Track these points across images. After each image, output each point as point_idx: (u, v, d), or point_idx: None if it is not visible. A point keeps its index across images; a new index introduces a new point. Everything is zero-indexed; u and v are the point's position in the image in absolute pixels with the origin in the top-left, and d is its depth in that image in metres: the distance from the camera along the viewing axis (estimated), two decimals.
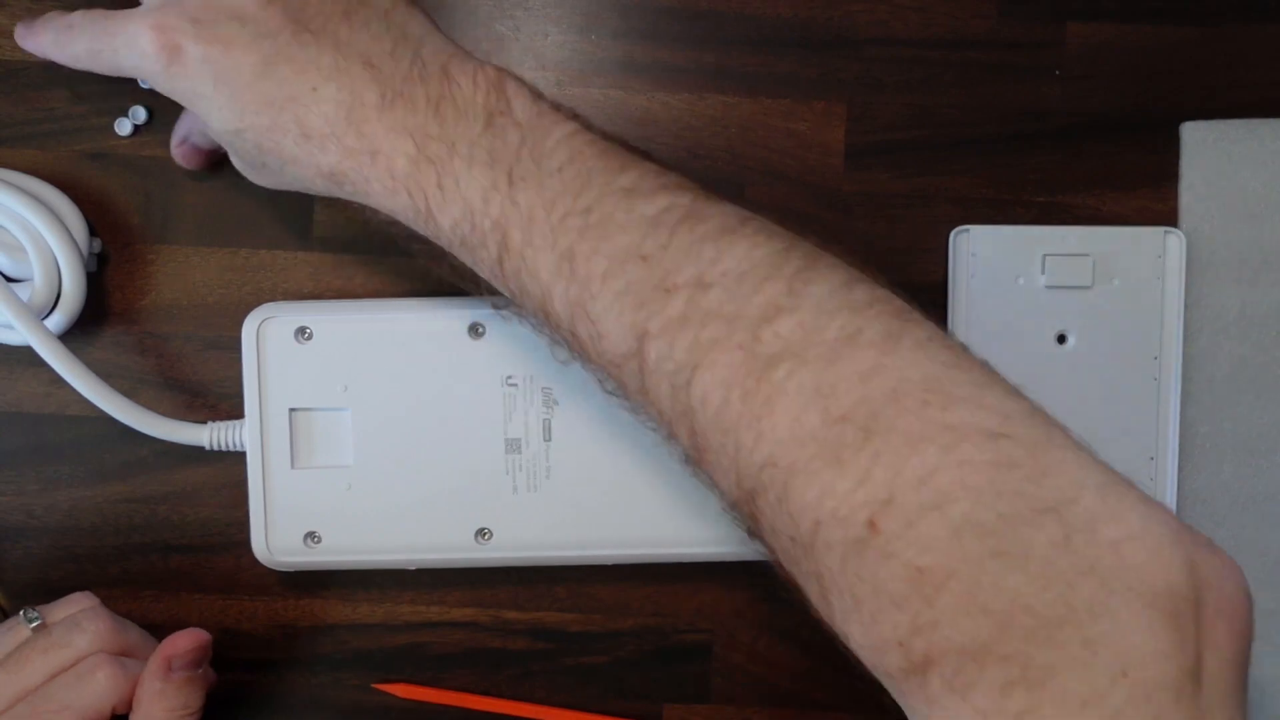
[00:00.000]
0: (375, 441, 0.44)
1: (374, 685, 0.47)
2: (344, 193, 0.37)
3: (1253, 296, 0.46)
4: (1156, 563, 0.27)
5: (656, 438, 0.44)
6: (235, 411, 0.45)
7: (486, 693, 0.47)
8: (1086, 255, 0.45)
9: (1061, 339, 0.46)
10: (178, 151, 0.44)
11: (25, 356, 0.45)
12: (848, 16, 0.46)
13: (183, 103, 0.37)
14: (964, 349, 0.31)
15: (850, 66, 0.46)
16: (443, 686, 0.47)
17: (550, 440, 0.44)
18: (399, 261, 0.46)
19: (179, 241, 0.46)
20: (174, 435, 0.44)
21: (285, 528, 0.44)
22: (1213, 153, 0.46)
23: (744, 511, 0.32)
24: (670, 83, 0.46)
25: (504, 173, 0.34)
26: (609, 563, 0.45)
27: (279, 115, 0.35)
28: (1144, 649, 0.27)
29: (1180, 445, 0.46)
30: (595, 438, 0.44)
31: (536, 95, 0.35)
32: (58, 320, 0.44)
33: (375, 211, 0.37)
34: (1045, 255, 0.46)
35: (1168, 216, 0.46)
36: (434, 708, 0.47)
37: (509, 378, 0.44)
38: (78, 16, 0.38)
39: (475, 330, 0.44)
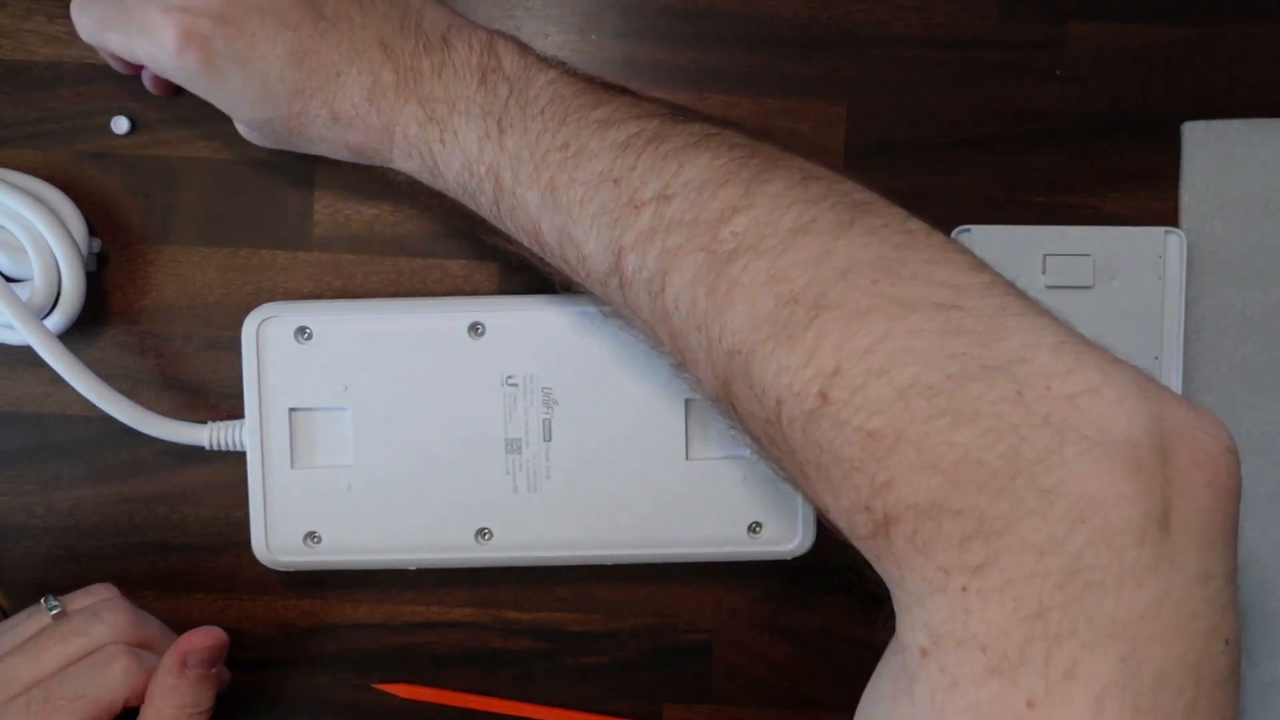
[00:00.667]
0: (375, 441, 0.44)
1: (374, 685, 0.47)
2: (365, 159, 0.40)
3: (1253, 296, 0.46)
4: (1116, 413, 0.27)
5: (656, 437, 0.44)
6: (235, 411, 0.45)
7: (486, 693, 0.47)
8: (1087, 255, 0.45)
9: None
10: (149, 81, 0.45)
11: (25, 356, 0.45)
12: (848, 16, 0.46)
13: (204, 96, 0.39)
14: (926, 231, 0.32)
15: (850, 66, 0.46)
16: (443, 686, 0.47)
17: (550, 440, 0.44)
18: (399, 261, 0.46)
19: (179, 241, 0.46)
20: (174, 435, 0.44)
21: (285, 528, 0.44)
22: (1213, 153, 0.46)
23: (724, 406, 0.34)
24: (670, 83, 0.46)
25: (494, 122, 0.37)
26: (609, 563, 0.45)
27: (309, 102, 0.38)
28: (1102, 495, 0.27)
29: None
30: (595, 438, 0.44)
31: (524, 50, 0.38)
32: (57, 320, 0.44)
33: (395, 172, 0.40)
34: (1046, 255, 0.46)
35: (1168, 216, 0.46)
36: (434, 708, 0.47)
37: (509, 378, 0.44)
38: None
39: (475, 330, 0.44)
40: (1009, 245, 0.46)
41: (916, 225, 0.32)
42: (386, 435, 0.44)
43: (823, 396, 0.29)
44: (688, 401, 0.44)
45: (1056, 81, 0.46)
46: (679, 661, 0.48)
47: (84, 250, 0.44)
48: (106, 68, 0.45)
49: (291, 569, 0.45)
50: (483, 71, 0.37)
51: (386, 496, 0.44)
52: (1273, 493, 0.46)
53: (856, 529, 0.30)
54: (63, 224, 0.44)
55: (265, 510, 0.44)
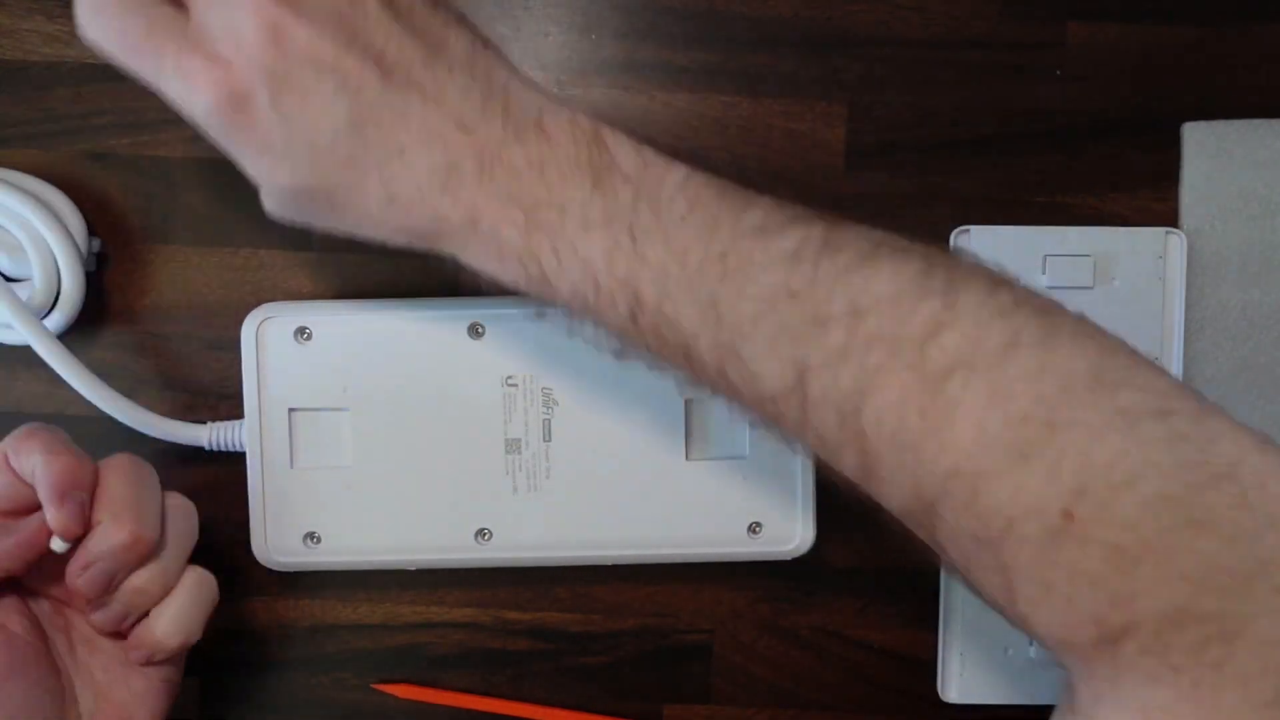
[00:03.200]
0: (375, 441, 0.44)
1: (374, 685, 0.47)
2: (422, 246, 0.35)
3: (1253, 296, 0.46)
4: None
5: (656, 437, 0.44)
6: (235, 412, 0.45)
7: (486, 693, 0.47)
8: (1087, 255, 0.45)
9: None
10: None
11: (25, 356, 0.45)
12: (848, 16, 0.46)
13: (235, 155, 0.34)
14: (1104, 333, 0.32)
15: (850, 66, 0.46)
16: (443, 687, 0.47)
17: (550, 440, 0.44)
18: (399, 261, 0.46)
19: (179, 241, 0.46)
20: (174, 435, 0.44)
21: (285, 528, 0.44)
22: (1213, 153, 0.46)
23: (918, 520, 0.32)
24: (670, 83, 0.46)
25: (624, 229, 0.32)
26: (609, 563, 0.45)
27: (363, 177, 0.33)
28: None
29: None
30: (595, 438, 0.44)
31: (638, 144, 0.34)
32: (57, 320, 0.44)
33: (457, 263, 0.35)
34: (1046, 255, 0.46)
35: (1168, 216, 0.46)
36: (434, 708, 0.47)
37: (509, 378, 0.44)
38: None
39: (475, 330, 0.44)
40: (1009, 245, 0.46)
41: (1091, 324, 0.32)
42: (386, 436, 0.44)
43: (1067, 515, 0.29)
44: (688, 401, 0.44)
45: (1056, 81, 0.46)
46: (679, 661, 0.47)
47: (84, 250, 0.44)
48: (107, 68, 0.45)
49: (291, 569, 0.45)
50: (595, 170, 0.33)
51: (386, 497, 0.44)
52: None
53: (1074, 639, 0.30)
54: (62, 224, 0.44)
55: (264, 510, 0.44)
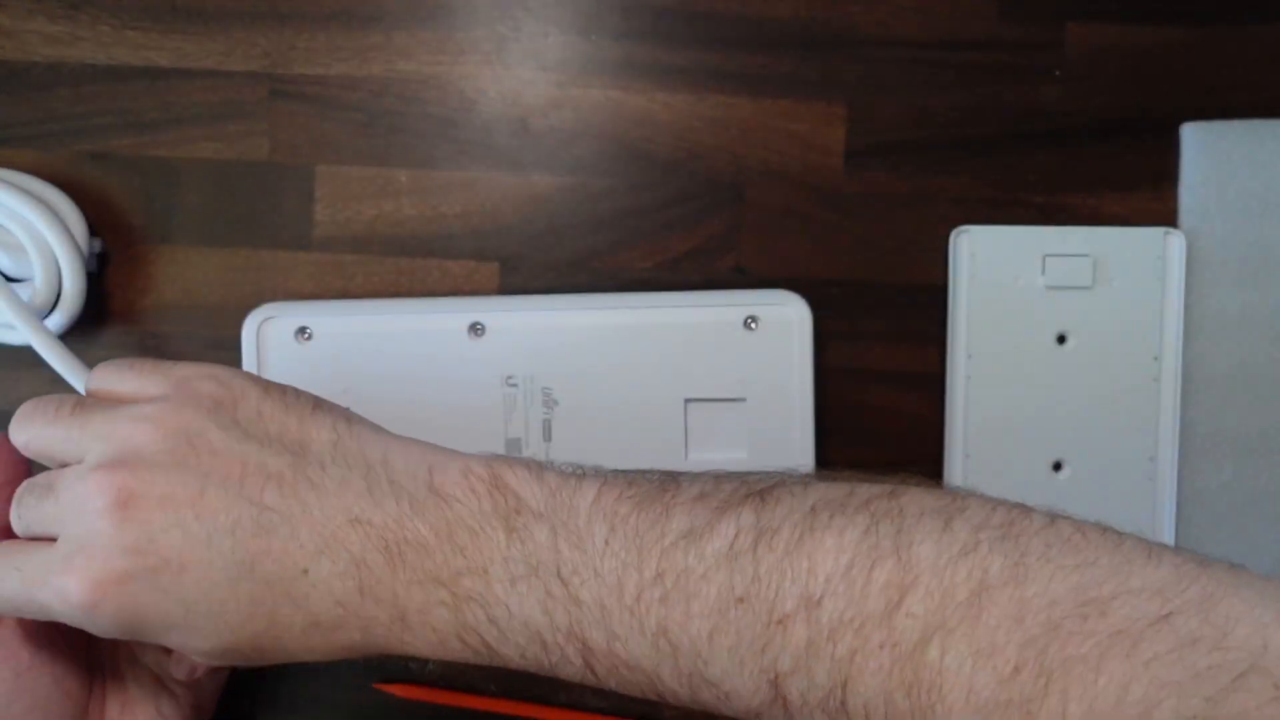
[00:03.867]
0: None
1: (374, 685, 0.47)
2: (370, 653, 0.32)
3: (1253, 297, 0.46)
4: None
5: (656, 437, 0.44)
6: None
7: (487, 693, 0.47)
8: (1086, 255, 0.46)
9: (1061, 339, 0.46)
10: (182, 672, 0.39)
11: (25, 356, 0.45)
12: (848, 17, 0.46)
13: (148, 641, 0.32)
14: (1080, 531, 0.30)
15: (850, 67, 0.46)
16: (443, 687, 0.47)
17: (550, 440, 0.44)
18: (399, 261, 0.46)
19: (179, 241, 0.46)
20: None
21: None
22: (1213, 153, 0.46)
23: None
24: (670, 83, 0.46)
25: (553, 575, 0.31)
26: None
27: (274, 611, 0.31)
28: None
29: (1180, 445, 0.46)
30: (595, 438, 0.44)
31: (539, 471, 0.32)
32: (58, 320, 0.44)
33: (419, 661, 0.33)
34: (1045, 255, 0.46)
35: (1168, 217, 0.46)
36: (434, 708, 0.47)
37: (509, 378, 0.44)
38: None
39: (475, 330, 0.44)
40: (1009, 245, 0.46)
41: (1063, 524, 0.30)
42: None
43: None
44: (687, 401, 0.44)
45: (1056, 81, 0.46)
46: None
47: (85, 250, 0.44)
48: (107, 68, 0.46)
49: None
50: (505, 519, 0.31)
51: None
52: (1273, 493, 0.46)
53: None
54: (63, 224, 0.44)
55: None
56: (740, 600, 0.29)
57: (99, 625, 0.31)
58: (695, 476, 0.32)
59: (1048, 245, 0.46)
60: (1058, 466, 0.46)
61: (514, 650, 0.31)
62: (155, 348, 0.46)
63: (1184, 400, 0.46)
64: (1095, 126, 0.46)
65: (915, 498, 0.31)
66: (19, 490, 0.34)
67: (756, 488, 0.31)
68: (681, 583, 0.30)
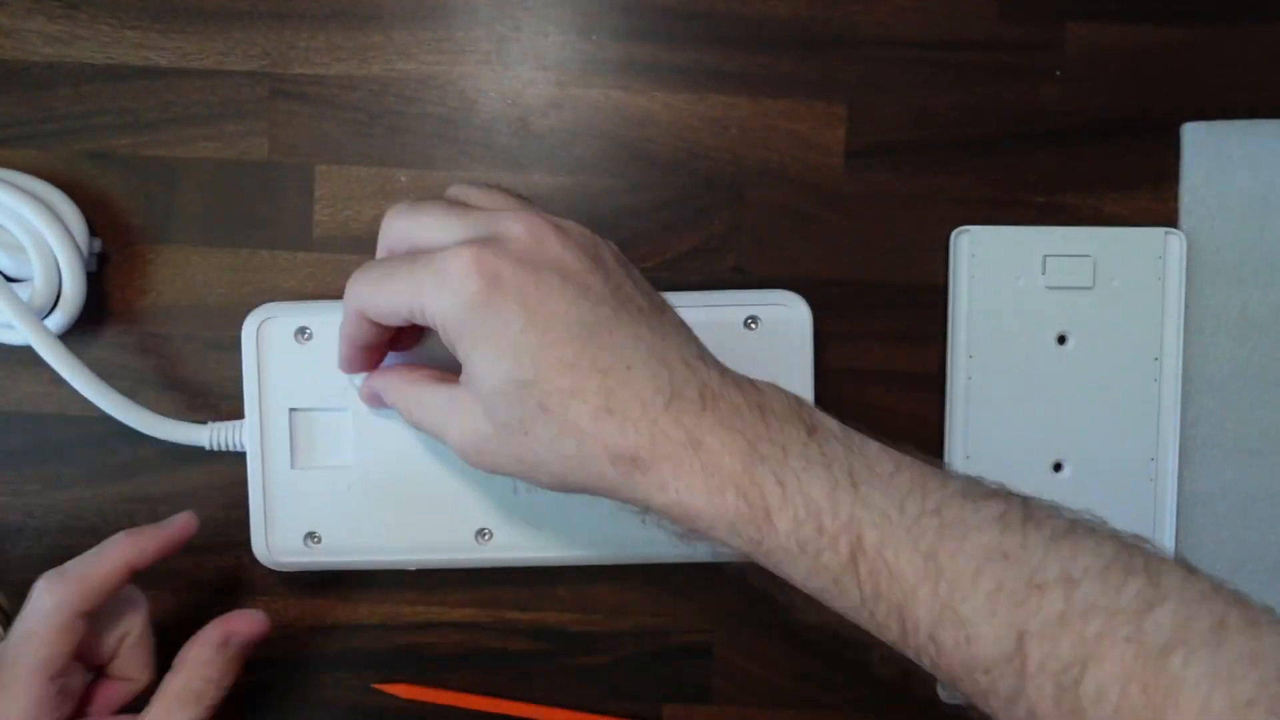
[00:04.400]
0: (375, 441, 0.44)
1: (374, 685, 0.47)
2: (629, 480, 0.33)
3: (1253, 297, 0.46)
4: None
5: None
6: (236, 411, 0.45)
7: (487, 693, 0.47)
8: (1087, 256, 0.46)
9: (1062, 340, 0.46)
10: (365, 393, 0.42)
11: (25, 356, 0.45)
12: (848, 17, 0.46)
13: (468, 345, 0.34)
14: None
15: (850, 67, 0.46)
16: (443, 686, 0.47)
17: None
18: None
19: (179, 241, 0.46)
20: (175, 436, 0.44)
21: (285, 528, 0.44)
22: (1213, 153, 0.46)
23: None
24: (670, 83, 0.46)
25: (845, 473, 0.33)
26: (609, 563, 0.45)
27: (584, 380, 0.33)
28: None
29: (1180, 445, 0.46)
30: None
31: (831, 416, 0.35)
32: (58, 320, 0.44)
33: (653, 513, 0.34)
34: (1045, 256, 0.46)
35: (1168, 217, 0.46)
36: (434, 708, 0.47)
37: None
38: (396, 260, 0.36)
39: None
40: (1009, 246, 0.46)
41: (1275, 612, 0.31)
42: (386, 435, 0.44)
43: None
44: None
45: (1056, 81, 0.46)
46: (679, 661, 0.48)
47: (84, 250, 0.44)
48: (107, 68, 0.46)
49: (292, 569, 0.45)
50: (808, 424, 0.34)
51: (387, 497, 0.44)
52: (1273, 493, 0.46)
53: None
54: (63, 224, 0.44)
55: (265, 510, 0.44)
56: (1006, 556, 0.31)
57: (459, 292, 0.34)
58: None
59: (1048, 245, 0.46)
60: (1058, 467, 0.46)
61: (789, 520, 0.32)
62: (155, 348, 0.46)
63: (1184, 400, 0.46)
64: (1095, 126, 0.46)
65: (1159, 547, 0.32)
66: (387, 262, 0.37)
67: (1021, 493, 0.33)
68: (957, 523, 0.32)
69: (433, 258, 0.35)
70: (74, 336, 0.45)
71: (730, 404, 0.33)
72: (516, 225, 0.35)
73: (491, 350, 0.34)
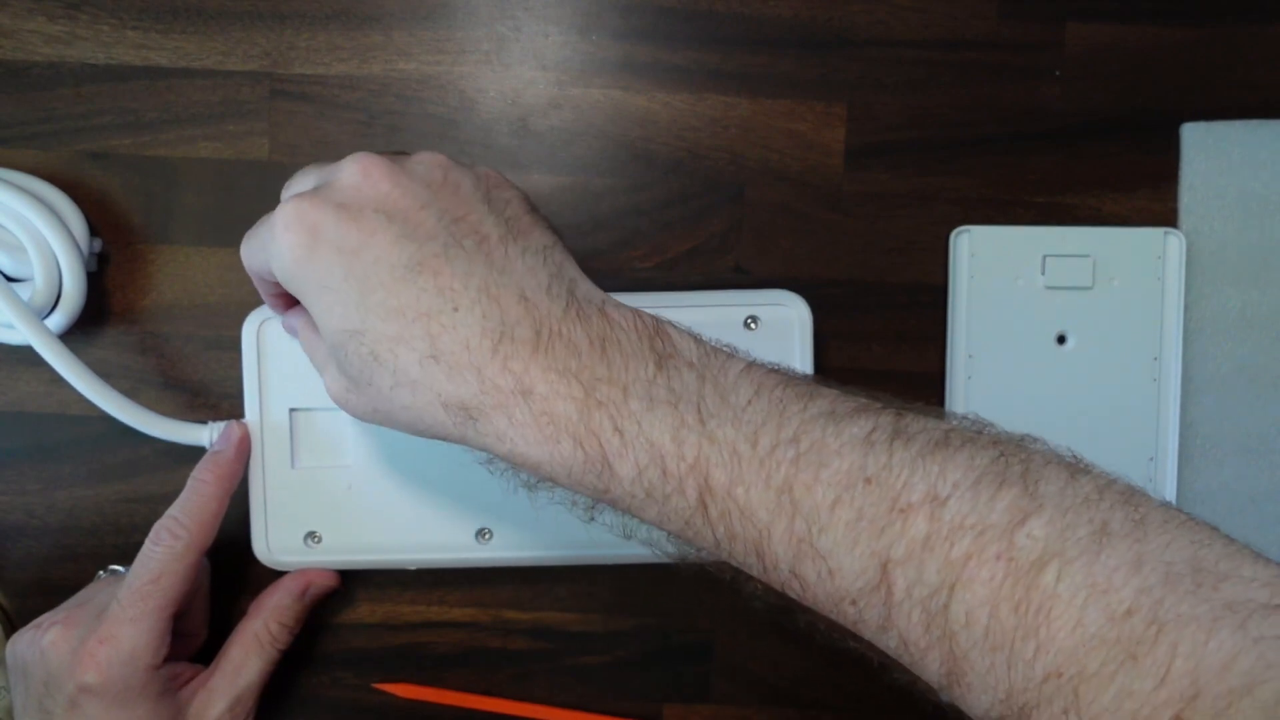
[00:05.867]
0: (375, 441, 0.44)
1: (374, 685, 0.47)
2: (465, 431, 0.33)
3: (1253, 297, 0.46)
4: None
5: None
6: (236, 411, 0.45)
7: (486, 692, 0.47)
8: (1086, 256, 0.46)
9: (1061, 339, 0.46)
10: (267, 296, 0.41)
11: (26, 356, 0.45)
12: (848, 17, 0.46)
13: (304, 299, 0.34)
14: (1195, 521, 0.30)
15: (850, 67, 0.46)
16: (443, 686, 0.47)
17: None
18: None
19: (179, 241, 0.46)
20: (175, 436, 0.44)
21: (286, 528, 0.44)
22: (1213, 153, 0.46)
23: None
24: (670, 83, 0.46)
25: (692, 410, 0.31)
26: (609, 563, 0.45)
27: (408, 326, 0.32)
28: None
29: (1180, 445, 0.46)
30: None
31: (696, 336, 0.33)
32: (58, 320, 0.44)
33: (494, 460, 0.33)
34: (1045, 256, 0.46)
35: (1167, 217, 0.46)
36: (434, 707, 0.47)
37: None
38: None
39: None
40: (1009, 245, 0.46)
41: (1179, 512, 0.30)
42: (387, 435, 0.44)
43: None
44: None
45: (1056, 82, 0.46)
46: (679, 661, 0.48)
47: (85, 250, 0.44)
48: (107, 68, 0.46)
49: (292, 569, 0.45)
50: (658, 355, 0.32)
51: (387, 497, 0.44)
52: (1272, 493, 0.46)
53: None
54: (64, 224, 0.44)
55: (265, 510, 0.44)
56: (868, 481, 0.30)
57: (283, 249, 0.33)
58: (835, 384, 0.33)
59: (1048, 245, 0.46)
60: None
61: (630, 468, 0.31)
62: (155, 347, 0.46)
63: (1184, 400, 0.46)
64: (1095, 127, 0.46)
65: (1042, 449, 0.31)
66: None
67: (894, 404, 0.32)
68: (815, 450, 0.30)
69: (269, 215, 0.34)
70: (74, 336, 0.45)
71: (568, 343, 0.32)
72: (349, 168, 0.34)
73: (322, 302, 0.33)
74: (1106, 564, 0.28)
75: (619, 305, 0.33)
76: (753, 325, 0.44)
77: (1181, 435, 0.46)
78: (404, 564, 0.45)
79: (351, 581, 0.47)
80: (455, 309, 0.32)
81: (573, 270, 0.34)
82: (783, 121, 0.46)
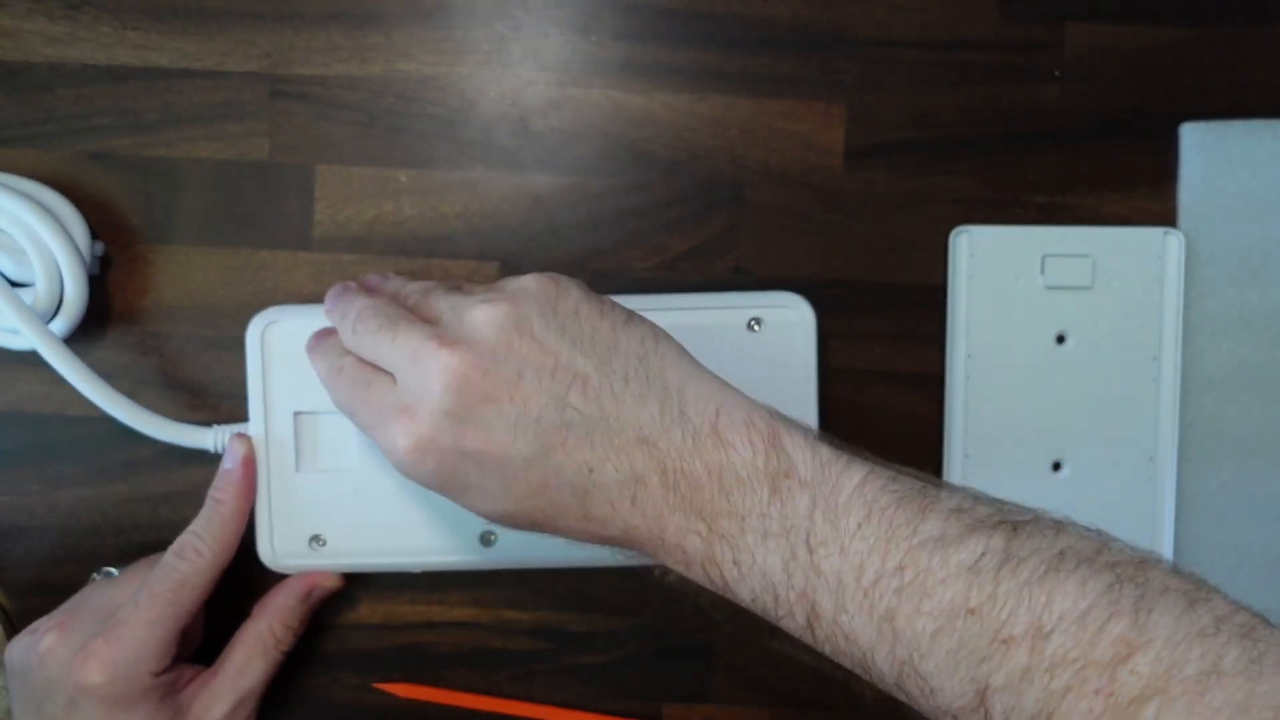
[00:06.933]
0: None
1: (374, 685, 0.47)
2: (623, 551, 0.36)
3: (1252, 297, 0.46)
4: None
5: None
6: (237, 411, 0.45)
7: (487, 692, 0.47)
8: (1086, 256, 0.46)
9: (1061, 339, 0.46)
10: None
11: (25, 356, 0.45)
12: (848, 17, 0.46)
13: (441, 493, 0.36)
14: None
15: (850, 67, 0.46)
16: (443, 686, 0.47)
17: None
18: (399, 261, 0.46)
19: (180, 242, 0.46)
20: (179, 438, 0.44)
21: (290, 531, 0.44)
22: (1212, 153, 0.46)
23: None
24: (670, 83, 0.46)
25: (801, 541, 0.33)
26: (609, 564, 0.45)
27: (556, 497, 0.35)
28: None
29: (1180, 445, 0.46)
30: None
31: (815, 443, 0.34)
32: (61, 324, 0.44)
33: (663, 570, 0.36)
34: (1045, 256, 0.46)
35: (1167, 217, 0.46)
36: (434, 708, 0.47)
37: None
38: (348, 365, 0.38)
39: None
40: (1008, 245, 0.46)
41: None
42: None
43: None
44: None
45: (1056, 82, 0.46)
46: (679, 661, 0.48)
47: (86, 254, 0.44)
48: (108, 69, 0.46)
49: (296, 572, 0.45)
50: (772, 478, 0.33)
51: (391, 500, 0.44)
52: (1273, 493, 0.46)
53: None
54: (65, 229, 0.43)
55: (270, 513, 0.44)
56: (971, 611, 0.30)
57: (408, 472, 0.36)
58: (954, 490, 0.34)
59: (1048, 245, 0.46)
60: (1057, 466, 0.46)
61: (747, 593, 0.34)
62: (156, 348, 0.46)
63: (1184, 400, 0.46)
64: (1095, 126, 0.46)
65: (1162, 573, 0.31)
66: (359, 303, 0.38)
67: (1011, 517, 0.32)
68: (920, 580, 0.31)
69: (384, 418, 0.36)
70: (76, 338, 0.45)
71: (690, 481, 0.34)
72: (429, 367, 0.35)
73: (464, 499, 0.36)
74: (1210, 704, 0.27)
75: (733, 411, 0.34)
76: (756, 327, 0.44)
77: (1180, 435, 0.46)
78: (408, 567, 0.45)
79: (352, 581, 0.47)
80: (590, 470, 0.34)
81: (676, 371, 0.35)
82: (783, 122, 0.46)
